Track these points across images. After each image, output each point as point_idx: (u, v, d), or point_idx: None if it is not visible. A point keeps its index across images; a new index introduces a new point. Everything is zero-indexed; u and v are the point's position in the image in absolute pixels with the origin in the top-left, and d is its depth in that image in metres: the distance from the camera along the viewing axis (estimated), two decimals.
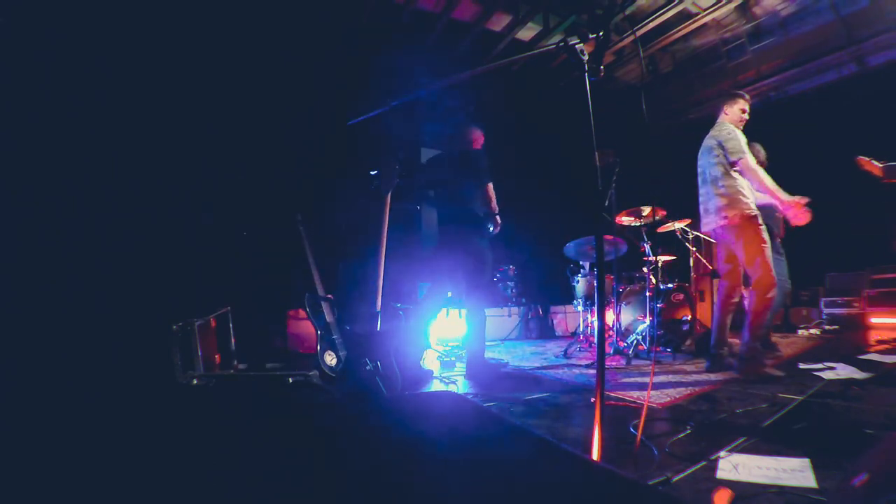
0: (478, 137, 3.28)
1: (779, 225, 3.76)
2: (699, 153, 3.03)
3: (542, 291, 5.76)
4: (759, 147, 3.97)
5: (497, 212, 3.11)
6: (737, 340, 2.88)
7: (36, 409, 1.87)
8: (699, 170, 3.02)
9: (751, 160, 2.72)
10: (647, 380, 2.73)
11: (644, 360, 3.40)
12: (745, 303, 4.98)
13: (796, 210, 2.68)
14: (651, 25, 5.26)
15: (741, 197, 2.75)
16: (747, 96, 2.95)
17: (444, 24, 5.19)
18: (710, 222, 2.92)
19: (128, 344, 2.65)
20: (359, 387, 1.93)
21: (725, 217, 2.77)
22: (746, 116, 2.92)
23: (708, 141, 2.93)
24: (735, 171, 2.78)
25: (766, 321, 2.77)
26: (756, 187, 2.77)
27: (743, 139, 2.78)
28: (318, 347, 2.63)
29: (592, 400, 1.74)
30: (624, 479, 0.81)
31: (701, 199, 3.02)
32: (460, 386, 2.79)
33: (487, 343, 4.81)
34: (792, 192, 2.81)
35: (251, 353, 3.25)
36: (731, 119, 2.91)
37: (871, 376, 2.56)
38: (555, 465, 0.90)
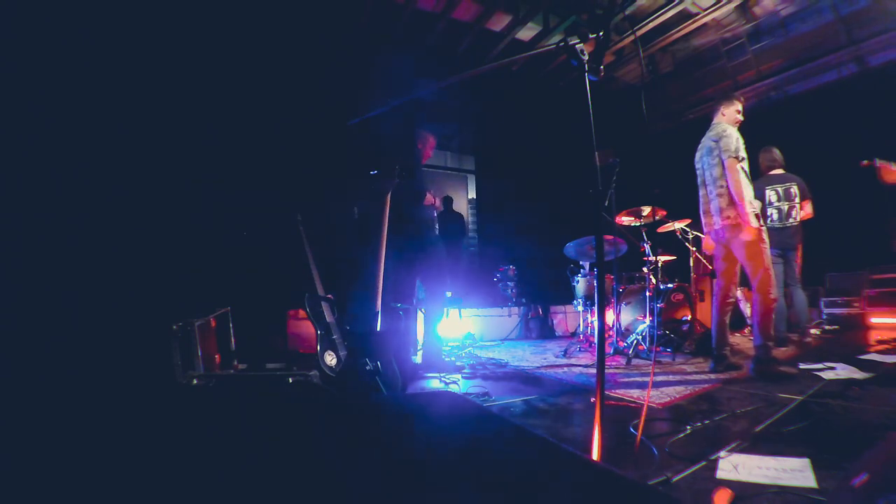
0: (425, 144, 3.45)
1: (796, 243, 3.87)
2: (698, 156, 3.05)
3: (542, 291, 5.76)
4: (775, 150, 4.01)
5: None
6: (736, 340, 2.87)
7: (36, 408, 1.87)
8: (698, 171, 3.04)
9: (735, 163, 2.72)
10: (647, 380, 2.73)
11: (644, 360, 3.40)
12: (741, 305, 5.03)
13: (747, 231, 2.68)
14: (651, 25, 5.27)
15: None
16: (742, 98, 3.01)
17: (444, 24, 5.19)
18: (711, 223, 2.93)
19: (128, 344, 2.65)
20: (359, 387, 1.93)
21: (727, 217, 2.79)
22: (741, 118, 2.97)
23: (706, 142, 2.96)
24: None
25: (773, 321, 2.77)
26: (730, 188, 2.75)
27: (738, 138, 2.80)
28: (318, 347, 2.62)
29: (592, 400, 1.74)
30: (624, 479, 0.81)
31: (701, 200, 3.03)
32: (461, 386, 2.79)
33: (487, 343, 4.88)
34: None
35: (251, 353, 3.24)
36: (728, 120, 2.95)
37: (871, 376, 2.56)
38: (555, 465, 0.90)
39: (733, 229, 2.78)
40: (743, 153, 2.78)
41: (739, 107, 2.97)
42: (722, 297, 2.99)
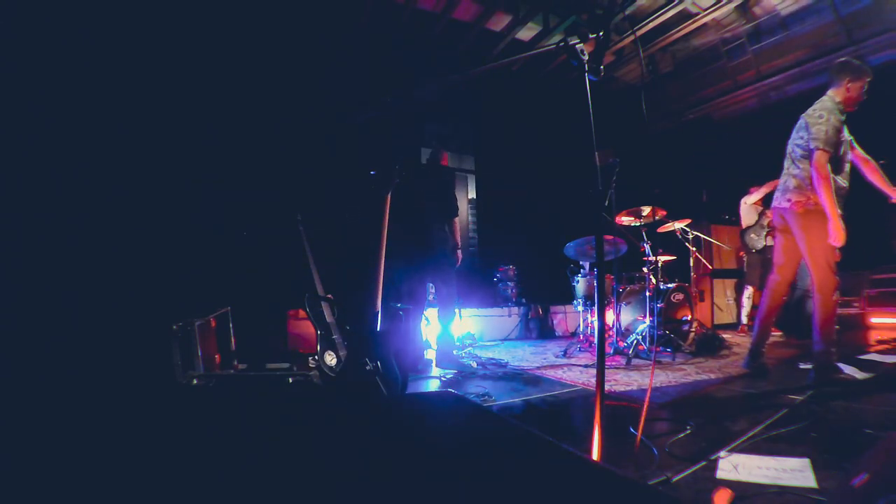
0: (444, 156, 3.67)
1: None
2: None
3: (542, 291, 5.76)
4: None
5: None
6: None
7: (36, 408, 1.87)
8: (789, 142, 2.75)
9: (823, 157, 2.40)
10: (647, 380, 2.73)
11: (644, 360, 3.40)
12: (743, 303, 5.03)
13: (836, 233, 2.40)
14: (651, 25, 5.26)
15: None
16: (871, 72, 2.57)
17: (444, 24, 5.19)
18: (777, 199, 2.71)
19: (128, 344, 2.65)
20: (359, 387, 1.93)
21: (789, 200, 2.58)
22: (864, 97, 2.57)
23: (802, 118, 2.62)
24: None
25: (835, 325, 2.52)
26: (815, 186, 2.42)
27: (835, 126, 2.45)
28: (318, 347, 2.62)
29: (592, 400, 1.74)
30: (624, 479, 0.81)
31: (782, 172, 2.76)
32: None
33: (487, 343, 4.91)
34: None
35: (251, 353, 3.24)
36: (851, 97, 2.55)
37: (871, 376, 2.56)
38: (555, 465, 0.90)
39: (796, 217, 2.54)
40: (833, 147, 2.41)
41: (865, 85, 2.54)
42: (774, 294, 2.75)
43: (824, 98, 2.59)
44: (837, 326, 5.10)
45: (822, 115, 2.47)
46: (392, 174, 2.26)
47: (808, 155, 2.49)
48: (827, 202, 2.40)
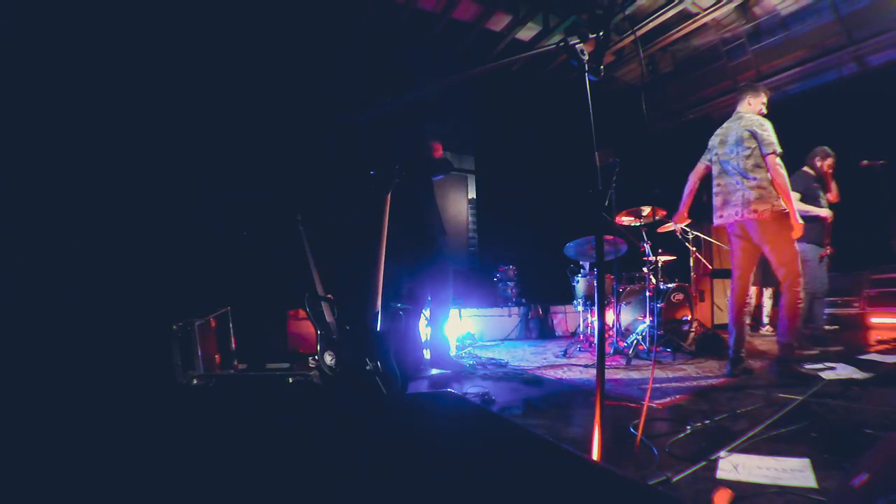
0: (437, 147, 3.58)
1: (824, 237, 3.86)
2: (716, 141, 2.95)
3: (542, 291, 5.76)
4: (827, 150, 3.92)
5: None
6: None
7: (36, 408, 1.87)
8: (715, 159, 2.93)
9: (777, 159, 2.64)
10: (647, 380, 2.73)
11: (644, 360, 3.40)
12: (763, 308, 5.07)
13: (798, 227, 2.64)
14: (651, 25, 5.26)
15: (773, 190, 2.66)
16: (768, 91, 2.94)
17: (444, 24, 5.19)
18: (731, 214, 2.79)
19: (128, 344, 2.65)
20: (359, 387, 1.93)
21: (755, 211, 2.67)
22: (766, 111, 2.89)
23: (734, 131, 2.82)
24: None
25: (802, 319, 2.72)
26: (777, 185, 2.65)
27: (773, 132, 2.71)
28: (318, 347, 2.62)
29: (592, 400, 1.74)
30: (624, 479, 0.81)
31: (717, 189, 2.91)
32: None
33: (487, 343, 4.92)
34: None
35: (251, 353, 3.24)
36: (754, 111, 2.85)
37: (871, 376, 2.56)
38: (555, 465, 0.90)
39: (762, 225, 2.68)
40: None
41: (765, 99, 2.89)
42: (739, 298, 2.89)
43: (745, 113, 2.85)
44: (836, 326, 5.13)
45: (762, 124, 2.72)
46: (392, 174, 2.26)
47: (762, 163, 2.69)
48: (789, 201, 2.62)
